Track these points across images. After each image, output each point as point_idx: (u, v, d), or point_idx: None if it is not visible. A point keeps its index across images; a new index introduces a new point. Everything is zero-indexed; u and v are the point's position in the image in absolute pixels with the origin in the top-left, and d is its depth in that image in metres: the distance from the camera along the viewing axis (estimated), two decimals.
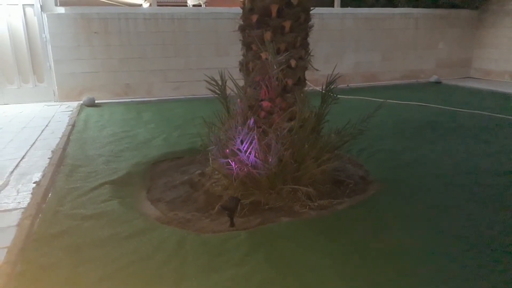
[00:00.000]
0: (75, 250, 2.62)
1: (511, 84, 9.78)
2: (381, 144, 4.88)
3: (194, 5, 13.94)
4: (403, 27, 10.31)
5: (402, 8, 10.57)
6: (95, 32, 7.88)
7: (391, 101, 7.30)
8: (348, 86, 9.68)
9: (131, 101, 8.09)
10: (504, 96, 8.33)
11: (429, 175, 3.94)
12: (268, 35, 3.37)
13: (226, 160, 3.43)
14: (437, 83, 10.23)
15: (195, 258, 2.52)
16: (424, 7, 10.54)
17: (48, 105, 7.62)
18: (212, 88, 3.75)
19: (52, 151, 4.67)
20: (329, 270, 2.37)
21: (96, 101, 7.72)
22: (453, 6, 10.51)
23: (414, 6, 10.67)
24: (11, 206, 3.26)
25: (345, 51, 9.91)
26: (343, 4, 10.87)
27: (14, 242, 2.68)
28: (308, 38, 3.67)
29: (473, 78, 11.03)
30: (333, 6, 10.57)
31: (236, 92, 3.53)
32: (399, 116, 6.44)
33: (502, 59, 10.36)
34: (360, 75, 10.22)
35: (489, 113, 6.51)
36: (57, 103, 7.87)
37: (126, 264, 2.46)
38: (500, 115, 6.35)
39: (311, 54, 3.69)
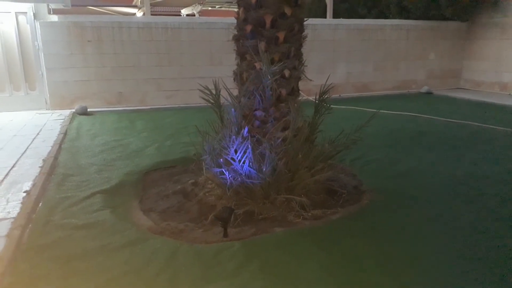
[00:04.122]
0: (66, 261, 2.58)
1: (501, 95, 9.94)
2: (374, 154, 4.91)
3: (188, 15, 14.00)
4: (395, 38, 10.46)
5: (393, 20, 10.73)
6: (89, 41, 7.86)
7: (383, 111, 7.36)
8: (340, 96, 9.76)
9: (124, 109, 8.06)
10: (494, 107, 8.45)
11: (422, 185, 3.96)
12: (262, 45, 3.39)
13: (220, 169, 3.42)
14: (428, 93, 10.35)
15: (188, 269, 2.50)
16: (415, 19, 10.70)
17: (39, 113, 7.56)
18: (206, 97, 3.76)
19: (43, 160, 4.62)
20: (324, 282, 2.36)
21: (88, 110, 7.68)
22: (443, 18, 10.69)
23: (405, 18, 10.83)
24: (0, 216, 3.20)
25: (337, 61, 10.01)
26: (335, 15, 11.00)
27: (3, 253, 2.63)
28: (301, 49, 3.69)
29: (463, 89, 11.19)
30: (325, 17, 10.69)
31: (230, 101, 3.54)
32: (391, 126, 6.49)
33: (492, 70, 10.53)
34: (352, 85, 10.31)
35: (479, 124, 6.59)
36: (49, 111, 7.81)
37: (118, 275, 2.43)
38: (490, 126, 6.44)
39: (305, 64, 3.71)
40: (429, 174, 4.28)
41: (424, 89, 10.52)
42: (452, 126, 6.53)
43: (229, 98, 3.55)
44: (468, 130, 6.21)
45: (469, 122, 6.70)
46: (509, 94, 9.95)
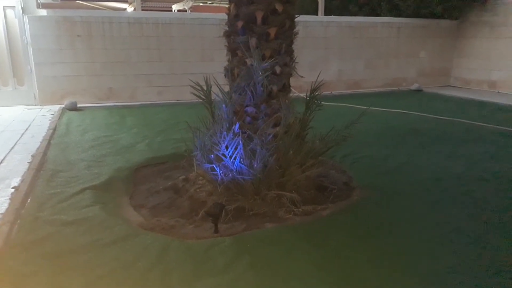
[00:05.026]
0: (55, 258, 2.56)
1: (489, 93, 10.06)
2: (364, 150, 4.94)
3: (179, 10, 13.92)
4: (386, 36, 10.51)
5: (385, 17, 10.78)
6: (78, 35, 7.77)
7: (374, 108, 7.40)
8: (331, 93, 9.79)
9: (114, 105, 8.00)
10: (483, 104, 8.55)
11: (412, 181, 4.00)
12: (253, 42, 3.39)
13: (211, 165, 3.42)
14: (418, 91, 10.44)
15: (179, 265, 2.50)
16: (405, 17, 10.77)
17: (28, 109, 7.46)
18: (197, 93, 3.75)
19: (32, 156, 4.57)
20: (314, 277, 2.38)
21: (78, 105, 7.60)
22: (434, 16, 10.78)
23: (396, 16, 10.89)
24: None
25: (328, 58, 10.03)
26: (327, 12, 11.01)
27: None
28: (292, 45, 3.70)
29: (453, 86, 11.30)
30: (317, 14, 10.70)
31: (221, 97, 3.53)
32: (381, 123, 6.54)
33: (481, 68, 10.65)
34: (343, 83, 10.35)
35: (468, 121, 6.67)
36: (38, 106, 7.71)
37: (108, 271, 2.42)
38: (478, 123, 6.52)
39: (296, 61, 3.72)
40: (419, 170, 4.32)
41: (415, 86, 10.61)
42: (442, 123, 6.60)
43: (220, 94, 3.55)
44: (457, 127, 6.29)
45: (459, 120, 6.78)
46: (498, 92, 10.08)
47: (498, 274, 2.42)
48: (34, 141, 5.19)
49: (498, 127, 6.25)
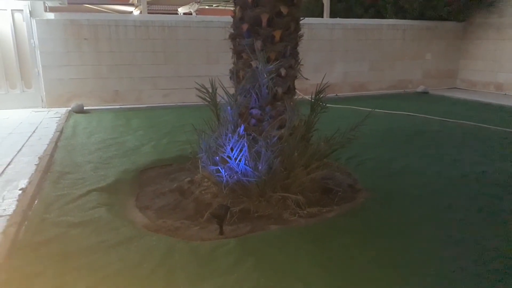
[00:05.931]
0: (61, 258, 2.58)
1: (496, 95, 10.00)
2: (369, 152, 4.93)
3: (185, 13, 14.00)
4: (391, 38, 10.49)
5: (390, 20, 10.76)
6: (85, 39, 7.84)
7: (379, 110, 7.38)
8: (336, 95, 9.79)
9: (120, 108, 8.05)
10: (489, 106, 8.50)
11: (417, 184, 3.99)
12: (258, 44, 3.40)
13: (216, 167, 3.43)
14: (424, 93, 10.40)
15: (184, 266, 2.51)
16: (411, 19, 10.75)
17: (35, 111, 7.53)
18: (202, 95, 3.77)
19: (39, 158, 4.61)
20: (318, 279, 2.37)
21: (84, 108, 7.66)
22: (440, 18, 10.74)
23: (401, 18, 10.87)
24: None
25: (334, 61, 10.03)
26: (332, 15, 11.02)
27: None
28: (298, 48, 3.71)
29: (459, 88, 11.24)
30: (322, 17, 10.71)
31: (227, 99, 3.55)
32: (387, 125, 6.52)
33: (487, 70, 10.59)
34: (348, 85, 10.33)
35: (474, 123, 6.63)
36: (45, 109, 7.78)
37: (113, 272, 2.43)
38: (484, 125, 6.48)
39: (301, 63, 3.73)
40: (424, 173, 4.30)
41: (420, 88, 10.57)
42: (448, 126, 6.56)
43: (225, 97, 3.57)
44: (463, 130, 6.25)
45: (465, 122, 6.74)
46: (505, 94, 10.01)
47: (502, 279, 2.40)
48: (41, 143, 5.24)
49: (505, 129, 6.21)
